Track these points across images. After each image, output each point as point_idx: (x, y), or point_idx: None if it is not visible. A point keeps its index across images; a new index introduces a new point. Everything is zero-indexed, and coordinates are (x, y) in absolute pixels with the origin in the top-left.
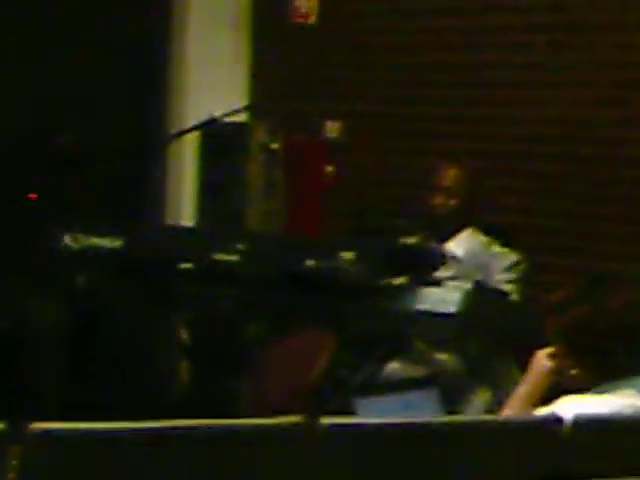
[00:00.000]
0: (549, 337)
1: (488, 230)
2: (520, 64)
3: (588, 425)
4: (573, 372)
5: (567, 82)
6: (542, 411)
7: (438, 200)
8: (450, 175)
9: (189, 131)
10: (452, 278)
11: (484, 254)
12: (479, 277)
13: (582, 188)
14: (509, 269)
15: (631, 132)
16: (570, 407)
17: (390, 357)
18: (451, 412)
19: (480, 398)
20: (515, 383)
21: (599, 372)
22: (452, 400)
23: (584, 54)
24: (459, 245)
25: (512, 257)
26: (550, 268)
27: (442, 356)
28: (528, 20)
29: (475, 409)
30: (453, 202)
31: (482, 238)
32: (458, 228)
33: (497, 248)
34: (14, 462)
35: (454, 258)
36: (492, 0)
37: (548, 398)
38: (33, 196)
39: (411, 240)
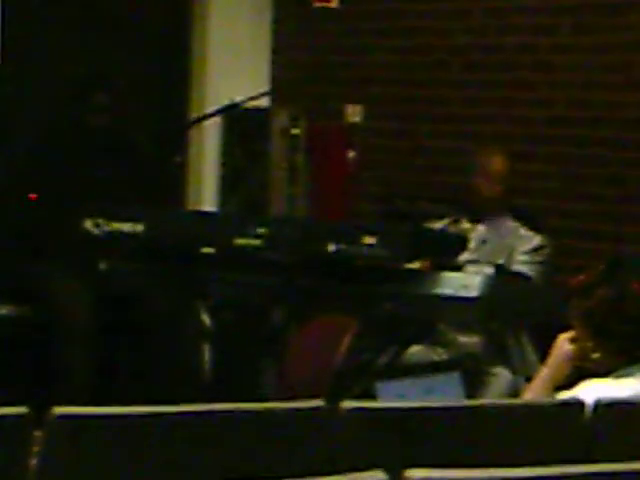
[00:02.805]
0: (572, 320)
1: (516, 214)
2: (545, 46)
3: (610, 409)
4: (595, 356)
5: (590, 65)
6: (564, 395)
7: (485, 186)
8: (498, 161)
9: (210, 116)
10: (474, 262)
11: (511, 237)
12: (502, 259)
13: (607, 170)
14: (533, 252)
15: None
16: (591, 391)
17: (412, 341)
18: (471, 395)
19: (499, 381)
20: (533, 366)
21: (622, 356)
22: (472, 383)
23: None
24: (489, 228)
25: (537, 240)
26: (576, 252)
27: (464, 340)
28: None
29: (494, 392)
30: (499, 188)
31: (511, 222)
32: (497, 213)
33: (523, 231)
34: (35, 447)
35: (483, 241)
36: None
37: (570, 382)
38: (33, 196)
39: (437, 224)
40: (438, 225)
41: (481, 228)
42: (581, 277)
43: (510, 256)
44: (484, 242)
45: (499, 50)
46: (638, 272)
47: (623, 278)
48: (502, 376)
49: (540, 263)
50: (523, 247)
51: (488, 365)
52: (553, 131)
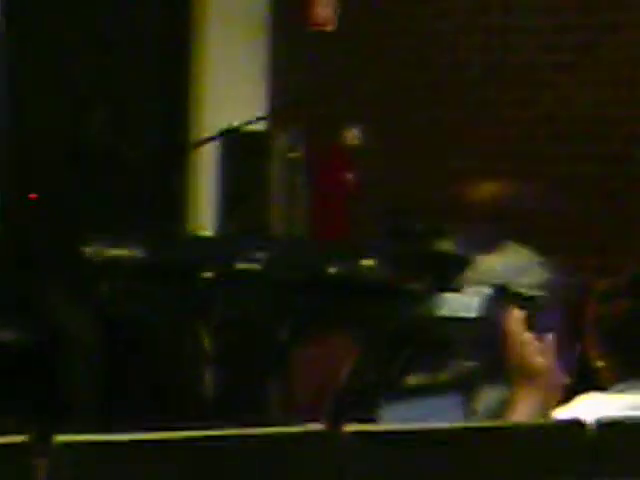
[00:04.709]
0: (586, 323)
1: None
2: (550, 64)
3: (612, 427)
4: (599, 364)
5: (591, 81)
6: (561, 410)
7: (475, 212)
8: (488, 190)
9: (210, 140)
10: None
11: (524, 267)
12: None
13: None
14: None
15: None
16: (591, 406)
17: (414, 363)
18: (471, 417)
19: (493, 397)
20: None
21: (625, 369)
22: (471, 403)
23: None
24: (501, 259)
25: (540, 274)
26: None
27: (464, 362)
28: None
29: (487, 408)
30: (489, 215)
31: (524, 252)
32: (496, 241)
33: (536, 259)
34: (39, 475)
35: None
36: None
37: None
38: (33, 196)
39: (438, 245)
40: (435, 246)
41: (492, 259)
42: (605, 282)
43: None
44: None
45: (501, 68)
46: None
47: None
48: (493, 392)
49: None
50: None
51: (485, 384)
52: (555, 148)
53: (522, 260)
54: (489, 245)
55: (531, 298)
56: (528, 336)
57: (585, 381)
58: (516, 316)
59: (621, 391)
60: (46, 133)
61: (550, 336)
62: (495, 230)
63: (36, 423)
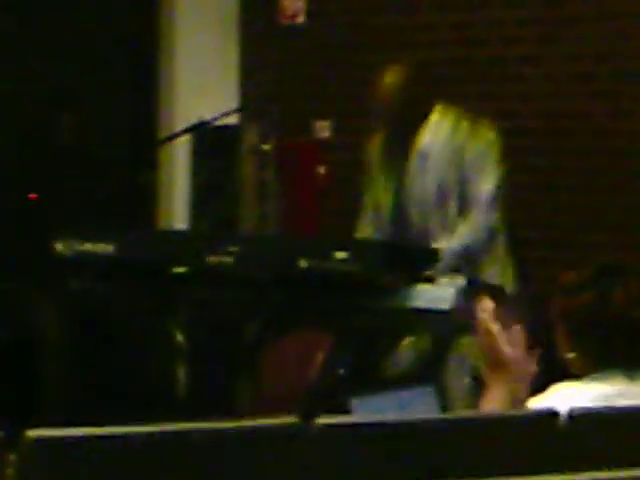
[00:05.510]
0: (553, 317)
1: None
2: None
3: (584, 417)
4: (570, 356)
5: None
6: (535, 400)
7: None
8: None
9: (180, 134)
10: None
11: (454, 141)
12: (452, 171)
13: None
14: (483, 152)
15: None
16: (563, 395)
17: (385, 355)
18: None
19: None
20: None
21: (596, 360)
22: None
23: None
24: (428, 136)
25: (483, 137)
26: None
27: (436, 352)
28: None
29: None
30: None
31: (451, 117)
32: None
33: (466, 128)
34: (10, 471)
35: (423, 155)
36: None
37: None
38: (33, 196)
39: (404, 240)
40: (404, 240)
41: (423, 137)
42: (570, 275)
43: (461, 165)
44: (423, 156)
45: (468, 62)
46: (624, 282)
47: (609, 284)
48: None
49: (497, 160)
50: (469, 153)
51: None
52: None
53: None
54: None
55: (502, 289)
56: (496, 327)
57: (557, 372)
58: (485, 307)
59: (594, 380)
60: (13, 129)
61: (518, 327)
62: None
63: (6, 418)
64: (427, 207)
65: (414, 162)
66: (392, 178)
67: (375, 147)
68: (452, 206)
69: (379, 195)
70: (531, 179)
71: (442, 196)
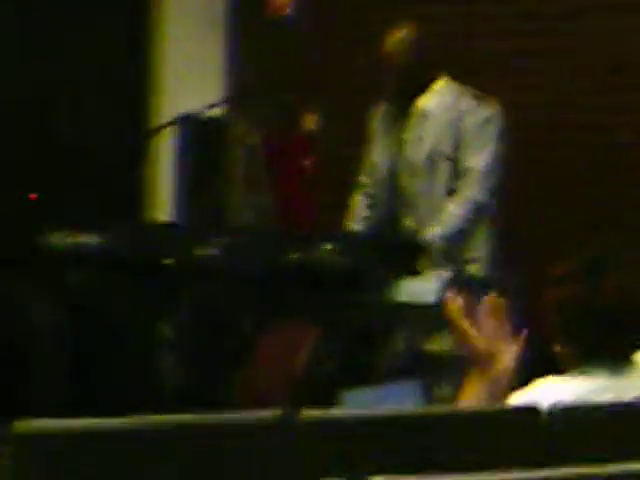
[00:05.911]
0: (544, 308)
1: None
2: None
3: (566, 412)
4: (558, 348)
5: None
6: (518, 394)
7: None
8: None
9: (167, 127)
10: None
11: (455, 109)
12: (449, 140)
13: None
14: (483, 124)
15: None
16: (547, 390)
17: (372, 349)
18: (432, 402)
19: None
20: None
21: (583, 353)
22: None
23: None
24: (431, 99)
25: (484, 112)
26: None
27: (423, 347)
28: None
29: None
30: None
31: (455, 88)
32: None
33: (468, 101)
34: (4, 462)
35: (424, 115)
36: None
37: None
38: (33, 196)
39: (394, 233)
40: (392, 234)
41: (423, 99)
42: (559, 267)
43: (457, 134)
44: (424, 115)
45: (465, 54)
46: (612, 273)
47: (599, 276)
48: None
49: (494, 138)
50: (469, 122)
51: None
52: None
53: None
54: None
55: (485, 282)
56: (466, 322)
57: (543, 365)
58: (454, 302)
59: (579, 375)
60: (4, 124)
61: (494, 321)
62: None
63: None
64: (417, 170)
65: (413, 120)
66: (391, 139)
67: (377, 116)
68: (441, 175)
69: (377, 157)
70: (526, 170)
71: (434, 161)
